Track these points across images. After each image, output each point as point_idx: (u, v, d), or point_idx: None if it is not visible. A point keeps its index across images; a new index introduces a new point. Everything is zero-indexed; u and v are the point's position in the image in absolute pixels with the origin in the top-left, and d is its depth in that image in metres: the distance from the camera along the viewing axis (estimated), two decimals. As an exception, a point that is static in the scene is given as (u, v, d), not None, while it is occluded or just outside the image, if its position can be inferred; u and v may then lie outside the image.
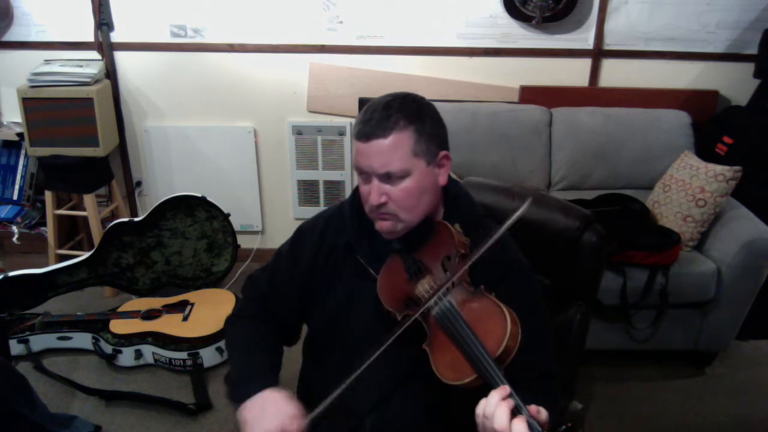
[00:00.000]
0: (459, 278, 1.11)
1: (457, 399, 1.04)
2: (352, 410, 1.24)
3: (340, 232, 1.31)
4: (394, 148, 1.14)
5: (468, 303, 1.07)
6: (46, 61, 2.98)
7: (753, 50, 2.87)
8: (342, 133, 3.12)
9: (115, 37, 3.03)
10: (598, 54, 2.98)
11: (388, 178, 1.16)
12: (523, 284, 1.23)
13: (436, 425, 1.23)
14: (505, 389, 0.94)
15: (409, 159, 1.15)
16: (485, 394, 0.96)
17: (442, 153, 1.21)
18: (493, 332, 1.00)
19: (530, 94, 3.00)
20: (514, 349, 0.99)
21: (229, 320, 1.41)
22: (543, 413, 0.94)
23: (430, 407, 1.21)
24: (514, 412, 0.92)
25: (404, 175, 1.15)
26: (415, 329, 1.11)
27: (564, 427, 0.91)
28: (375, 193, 1.17)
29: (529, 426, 0.90)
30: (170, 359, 2.52)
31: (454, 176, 1.31)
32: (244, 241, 3.17)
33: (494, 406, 0.93)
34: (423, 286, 1.15)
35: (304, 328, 1.43)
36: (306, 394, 1.37)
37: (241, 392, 1.20)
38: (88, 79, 2.83)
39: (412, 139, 1.15)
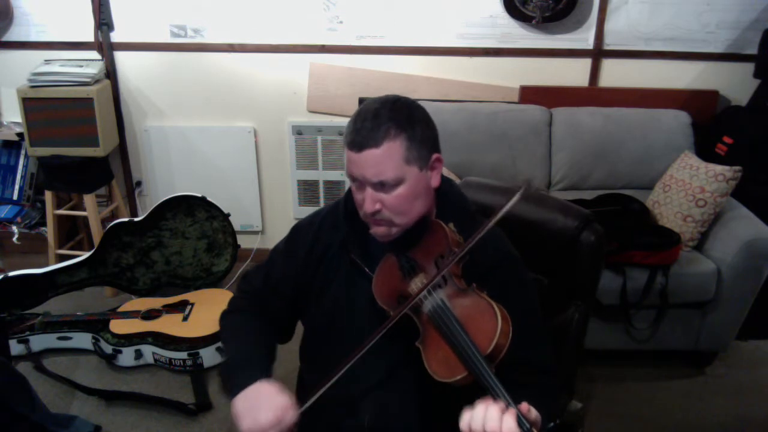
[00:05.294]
0: (451, 275, 1.11)
1: (452, 396, 1.04)
2: (350, 405, 1.24)
3: (335, 230, 1.31)
4: (386, 157, 1.13)
5: (460, 301, 1.08)
6: (46, 61, 2.98)
7: (753, 50, 2.87)
8: (342, 133, 3.11)
9: (115, 37, 3.03)
10: (598, 54, 2.98)
11: (381, 186, 1.15)
12: (514, 277, 1.23)
13: (432, 421, 1.23)
14: (488, 400, 0.95)
15: (401, 167, 1.14)
16: (477, 391, 0.96)
17: (434, 156, 1.20)
18: (484, 330, 1.00)
19: (530, 94, 3.00)
20: (505, 346, 0.99)
21: (223, 314, 1.41)
22: (533, 412, 0.94)
23: (425, 404, 1.22)
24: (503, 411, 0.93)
25: (398, 182, 1.15)
26: (409, 327, 1.11)
27: (552, 424, 0.91)
28: (369, 201, 1.17)
29: (519, 423, 0.90)
30: (170, 359, 2.52)
31: (447, 174, 1.31)
32: (244, 241, 3.18)
33: (482, 414, 0.94)
34: (416, 284, 1.15)
35: (299, 329, 1.42)
36: (304, 396, 1.36)
37: (234, 384, 1.20)
38: (88, 79, 2.83)
39: (403, 147, 1.14)
